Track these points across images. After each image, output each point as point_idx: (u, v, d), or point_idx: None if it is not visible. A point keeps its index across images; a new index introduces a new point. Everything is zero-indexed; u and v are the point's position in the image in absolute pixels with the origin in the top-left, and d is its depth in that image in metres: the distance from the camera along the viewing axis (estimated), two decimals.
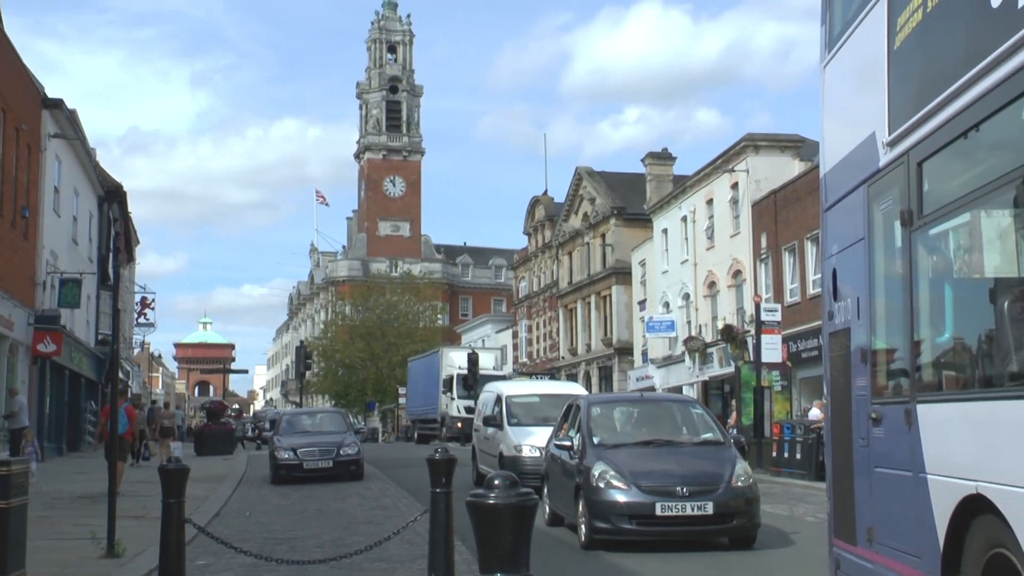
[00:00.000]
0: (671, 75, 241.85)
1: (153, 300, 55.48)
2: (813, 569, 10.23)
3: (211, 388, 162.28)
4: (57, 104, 29.29)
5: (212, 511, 15.55)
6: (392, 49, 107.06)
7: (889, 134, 6.55)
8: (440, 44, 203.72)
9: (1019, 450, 4.82)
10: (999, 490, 4.99)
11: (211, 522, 13.92)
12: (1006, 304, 5.24)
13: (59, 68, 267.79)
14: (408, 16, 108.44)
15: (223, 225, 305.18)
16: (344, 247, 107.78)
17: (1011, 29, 4.89)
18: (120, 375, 42.13)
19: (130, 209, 45.58)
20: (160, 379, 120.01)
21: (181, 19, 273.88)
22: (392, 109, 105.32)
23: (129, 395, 41.37)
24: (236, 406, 70.46)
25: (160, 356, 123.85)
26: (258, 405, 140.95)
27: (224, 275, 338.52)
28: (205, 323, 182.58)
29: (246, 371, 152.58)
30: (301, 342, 59.10)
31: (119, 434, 19.60)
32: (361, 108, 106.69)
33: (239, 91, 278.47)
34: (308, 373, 57.52)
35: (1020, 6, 4.84)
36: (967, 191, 5.58)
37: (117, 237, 27.74)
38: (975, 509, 5.27)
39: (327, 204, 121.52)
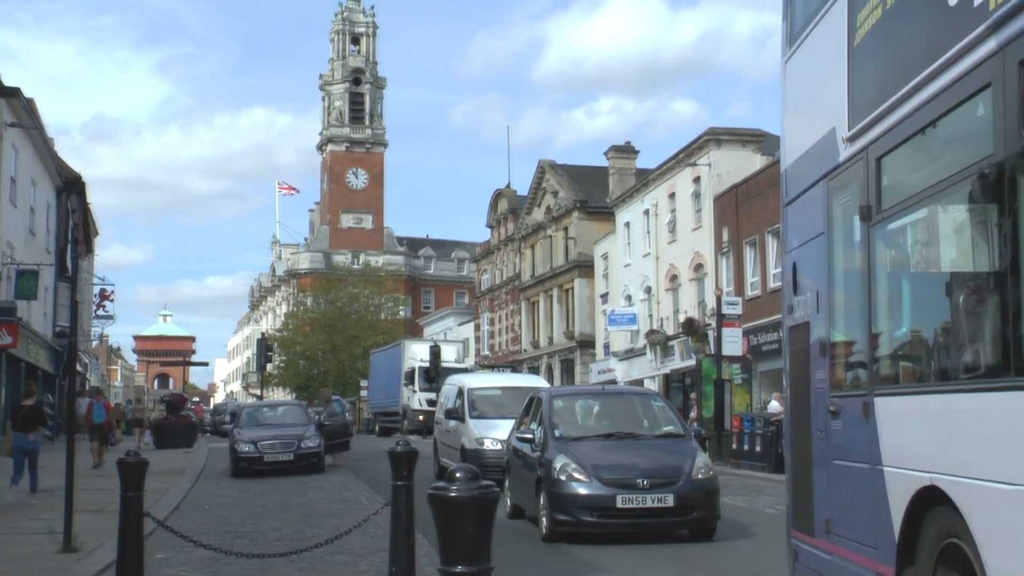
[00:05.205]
0: (647, 64, 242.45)
1: (112, 292, 54.72)
2: (772, 561, 10.32)
3: (171, 381, 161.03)
4: (14, 92, 28.82)
5: (171, 504, 15.45)
6: (356, 40, 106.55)
7: (849, 129, 6.61)
8: (410, 33, 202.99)
9: (973, 443, 4.89)
10: (953, 482, 5.06)
11: (170, 515, 13.84)
12: (962, 298, 5.31)
13: (17, 56, 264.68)
14: (372, 8, 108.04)
15: (188, 215, 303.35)
16: (306, 239, 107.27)
17: (968, 27, 4.95)
18: (78, 367, 41.69)
19: (92, 199, 45.15)
20: (119, 371, 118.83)
21: (139, 8, 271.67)
22: (355, 101, 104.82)
23: (88, 387, 41.05)
24: (196, 398, 69.96)
25: (119, 348, 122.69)
26: (219, 398, 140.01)
27: (188, 267, 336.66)
28: (165, 315, 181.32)
29: (206, 363, 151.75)
30: (262, 334, 58.81)
31: (99, 423, 23.88)
32: (324, 100, 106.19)
33: (201, 80, 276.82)
34: (269, 365, 57.14)
35: (976, 4, 4.89)
36: (925, 186, 5.63)
37: (76, 228, 27.41)
38: (930, 501, 5.33)
39: (297, 192, 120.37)
